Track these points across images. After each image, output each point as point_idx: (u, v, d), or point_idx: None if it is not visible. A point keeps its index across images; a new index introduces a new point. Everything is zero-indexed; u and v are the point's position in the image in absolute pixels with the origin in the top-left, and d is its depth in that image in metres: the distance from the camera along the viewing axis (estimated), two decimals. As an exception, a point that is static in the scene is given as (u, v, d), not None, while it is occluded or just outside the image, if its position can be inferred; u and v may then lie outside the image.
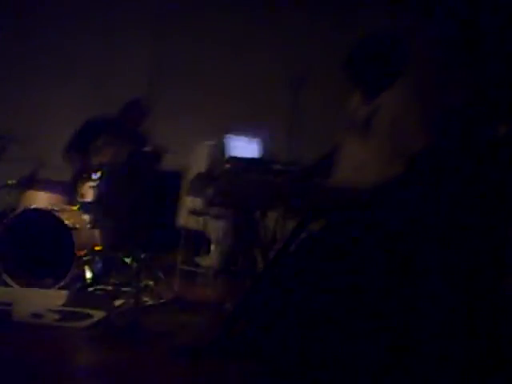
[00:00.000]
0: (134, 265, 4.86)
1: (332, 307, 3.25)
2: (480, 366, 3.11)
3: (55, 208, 5.02)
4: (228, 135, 5.38)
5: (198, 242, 5.75)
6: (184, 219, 5.54)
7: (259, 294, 3.55)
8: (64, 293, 4.66)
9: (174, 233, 5.41)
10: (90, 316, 4.16)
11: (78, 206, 5.25)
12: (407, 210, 3.15)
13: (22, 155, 5.18)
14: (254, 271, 3.97)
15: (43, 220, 4.95)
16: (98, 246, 5.22)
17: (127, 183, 4.54)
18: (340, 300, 3.24)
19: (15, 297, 4.39)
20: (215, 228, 5.78)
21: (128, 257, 5.11)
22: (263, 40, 6.77)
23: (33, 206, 5.01)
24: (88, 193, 5.19)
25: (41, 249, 4.92)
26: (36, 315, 4.09)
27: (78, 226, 5.00)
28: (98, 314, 4.17)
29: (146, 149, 5.28)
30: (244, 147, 5.35)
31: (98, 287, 4.92)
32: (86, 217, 5.21)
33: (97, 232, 5.25)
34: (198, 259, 5.93)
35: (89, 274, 5.02)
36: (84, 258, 4.99)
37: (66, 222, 4.91)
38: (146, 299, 4.60)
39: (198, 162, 5.17)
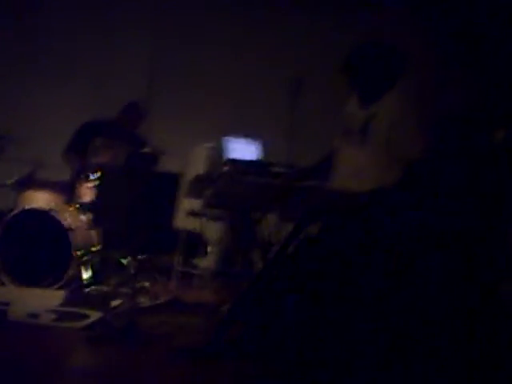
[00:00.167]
0: (132, 266, 4.86)
1: (329, 309, 3.25)
2: (478, 369, 3.11)
3: (53, 208, 5.02)
4: (226, 137, 5.38)
5: (196, 243, 5.74)
6: (182, 221, 5.53)
7: (256, 296, 3.55)
8: (61, 293, 4.66)
9: (171, 234, 5.40)
10: (86, 316, 4.16)
11: (76, 207, 5.25)
12: (405, 215, 3.15)
13: (21, 155, 5.18)
14: (251, 273, 3.96)
15: (41, 220, 4.95)
16: (95, 246, 5.22)
17: (125, 184, 4.54)
18: (337, 302, 3.24)
19: (12, 296, 4.39)
20: (213, 230, 5.78)
21: (125, 258, 5.11)
22: (263, 42, 6.76)
23: (31, 206, 5.01)
24: (86, 193, 5.19)
25: (38, 249, 4.92)
26: (33, 315, 4.09)
27: (75, 226, 5.00)
28: (95, 315, 4.17)
29: (145, 150, 5.28)
30: (242, 149, 5.34)
31: (95, 288, 4.92)
32: (84, 217, 5.21)
33: (94, 232, 5.26)
34: (195, 261, 5.92)
35: (86, 275, 5.02)
36: (81, 259, 4.98)
37: (64, 222, 4.91)
38: (142, 300, 4.60)
39: (196, 164, 5.17)
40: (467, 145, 3.50)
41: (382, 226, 3.14)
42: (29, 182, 5.33)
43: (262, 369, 3.35)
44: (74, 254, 4.86)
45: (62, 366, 3.42)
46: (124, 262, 5.05)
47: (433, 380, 3.10)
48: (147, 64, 6.98)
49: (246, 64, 6.71)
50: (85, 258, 5.02)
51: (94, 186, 5.03)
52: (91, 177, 5.11)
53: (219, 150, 5.29)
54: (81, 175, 5.27)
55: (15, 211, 4.96)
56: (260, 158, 5.45)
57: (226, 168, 4.05)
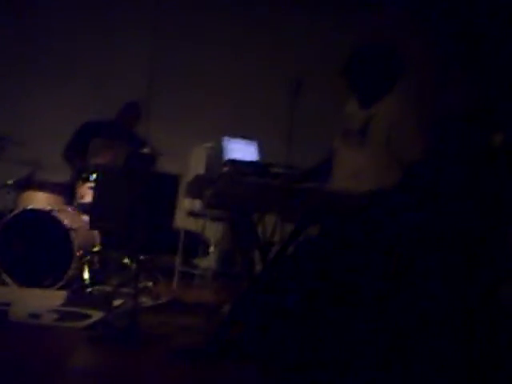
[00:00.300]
0: (133, 266, 4.88)
1: (329, 309, 3.26)
2: (477, 369, 3.12)
3: (54, 208, 5.03)
4: (226, 137, 5.38)
5: (197, 243, 5.76)
6: (182, 221, 5.55)
7: (256, 296, 3.56)
8: (62, 293, 4.67)
9: (172, 235, 5.42)
10: (87, 316, 4.17)
11: (76, 207, 5.26)
12: (405, 216, 3.16)
13: (20, 156, 5.18)
14: (252, 273, 3.97)
15: (42, 220, 4.96)
16: (96, 246, 5.23)
17: (125, 185, 4.55)
18: (337, 302, 3.25)
19: (13, 297, 4.40)
20: (213, 230, 5.79)
21: (126, 258, 5.12)
22: (262, 42, 6.76)
23: (31, 207, 5.03)
24: (87, 194, 5.20)
25: (39, 249, 4.93)
26: (34, 315, 4.09)
27: (76, 226, 5.01)
28: (96, 315, 4.18)
29: (144, 150, 5.29)
30: (242, 150, 5.35)
31: (96, 288, 4.93)
32: (85, 217, 5.22)
33: (95, 233, 5.27)
34: (196, 261, 5.93)
35: (87, 275, 5.03)
36: (82, 259, 5.00)
37: (65, 222, 4.92)
38: (144, 300, 4.61)
39: (196, 164, 5.18)
40: (467, 145, 3.50)
41: (382, 227, 3.14)
42: (28, 183, 5.34)
43: (262, 369, 3.36)
44: (76, 254, 4.87)
45: (64, 365, 3.42)
46: (125, 262, 5.07)
47: (433, 380, 3.11)
48: (147, 64, 6.98)
49: (245, 64, 6.71)
50: (86, 258, 5.03)
51: (95, 187, 5.04)
52: (91, 177, 5.12)
53: (219, 151, 5.29)
54: (81, 175, 5.28)
55: (16, 211, 4.98)
56: (259, 158, 5.46)
57: (225, 168, 4.06)
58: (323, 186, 3.55)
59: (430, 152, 3.34)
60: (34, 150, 5.31)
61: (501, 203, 3.30)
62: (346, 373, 3.15)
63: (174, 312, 4.57)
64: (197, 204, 5.26)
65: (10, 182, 5.30)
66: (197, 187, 4.28)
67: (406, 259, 3.18)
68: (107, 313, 4.18)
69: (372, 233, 3.16)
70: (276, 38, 6.78)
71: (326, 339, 3.21)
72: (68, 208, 5.27)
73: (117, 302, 4.43)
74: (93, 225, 5.16)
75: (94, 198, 4.95)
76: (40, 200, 5.25)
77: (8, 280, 4.83)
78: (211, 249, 5.88)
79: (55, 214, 4.96)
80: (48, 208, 5.01)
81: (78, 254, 4.90)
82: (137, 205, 4.33)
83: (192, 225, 5.71)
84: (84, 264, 5.02)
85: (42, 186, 5.34)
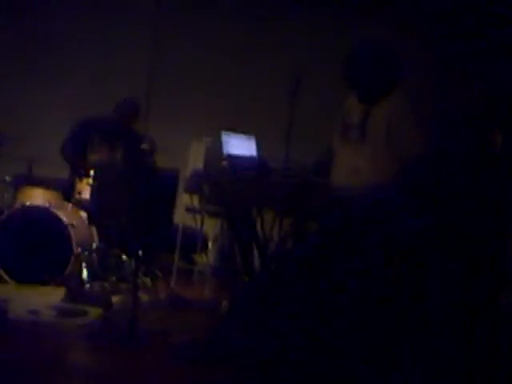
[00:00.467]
0: (131, 262, 4.87)
1: (329, 306, 3.25)
2: (478, 374, 3.11)
3: (52, 205, 5.02)
4: (225, 133, 5.37)
5: (195, 239, 5.75)
6: (181, 217, 5.54)
7: (255, 292, 3.55)
8: (61, 290, 4.66)
9: (170, 230, 5.41)
10: (86, 313, 4.16)
11: (74, 204, 5.25)
12: (404, 216, 3.15)
13: (19, 152, 5.17)
14: (250, 269, 3.96)
15: (40, 216, 4.96)
16: (95, 243, 5.22)
17: (124, 181, 4.55)
18: (337, 299, 3.25)
19: (12, 293, 4.40)
20: (212, 226, 5.78)
21: (125, 254, 5.11)
22: (262, 39, 6.75)
23: (30, 203, 5.02)
24: (85, 190, 5.19)
25: (38, 246, 4.93)
26: (32, 312, 4.08)
27: (75, 222, 5.00)
28: (95, 312, 4.17)
29: (143, 146, 5.27)
30: (241, 145, 5.34)
31: (95, 285, 4.92)
32: (84, 214, 5.21)
33: (94, 229, 5.26)
34: (194, 257, 5.92)
35: (85, 272, 5.02)
36: (81, 255, 4.99)
37: (64, 218, 4.92)
38: (142, 297, 4.60)
39: (194, 160, 5.17)
40: (467, 147, 3.49)
41: (382, 226, 3.14)
42: (27, 179, 5.33)
43: (261, 367, 3.35)
44: (74, 251, 4.87)
45: (62, 363, 3.42)
46: (124, 258, 5.06)
47: (433, 381, 3.11)
48: (146, 61, 6.96)
49: (245, 61, 6.71)
50: (84, 255, 5.02)
51: (93, 183, 5.03)
52: (90, 174, 5.11)
53: (217, 146, 5.28)
54: (80, 172, 5.26)
55: (14, 208, 4.97)
56: (258, 154, 5.45)
57: (224, 163, 4.05)
58: (322, 182, 3.54)
59: (430, 151, 3.33)
60: (32, 146, 5.29)
61: (502, 206, 3.28)
62: (345, 373, 3.15)
63: (172, 309, 4.56)
64: (195, 200, 5.25)
65: (8, 178, 5.28)
66: (196, 182, 4.28)
67: (406, 260, 3.17)
68: (106, 310, 4.17)
69: (371, 231, 3.15)
70: (275, 35, 6.77)
71: (325, 337, 3.21)
72: (66, 204, 5.25)
73: (115, 299, 4.42)
74: (91, 221, 5.18)
75: (93, 194, 4.96)
76: (38, 196, 5.24)
77: (6, 276, 4.82)
78: (209, 245, 5.87)
79: (54, 210, 4.94)
80: (46, 204, 5.00)
81: (76, 250, 4.89)
82: (135, 201, 4.32)
83: (190, 220, 5.70)
84: (82, 261, 5.01)
85: (40, 183, 5.33)
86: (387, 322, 3.15)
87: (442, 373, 3.10)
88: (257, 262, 3.92)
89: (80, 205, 5.23)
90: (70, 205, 5.25)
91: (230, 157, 4.27)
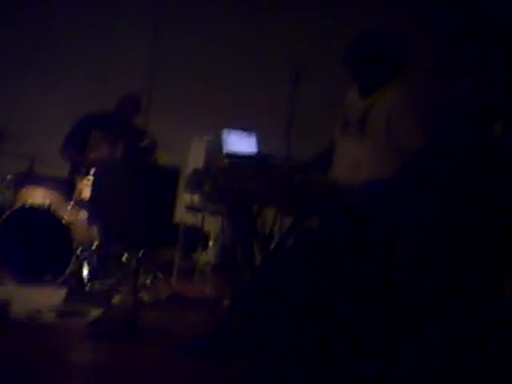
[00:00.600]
0: (132, 261, 4.85)
1: (330, 302, 3.24)
2: (480, 368, 3.09)
3: (52, 204, 5.00)
4: (226, 130, 5.35)
5: (196, 238, 5.73)
6: (182, 215, 5.52)
7: (257, 289, 3.54)
8: (61, 290, 4.64)
9: (171, 229, 5.39)
10: (87, 313, 4.15)
11: (75, 203, 5.23)
12: (404, 207, 3.13)
13: (19, 151, 5.15)
14: (251, 267, 3.94)
15: (40, 216, 4.94)
16: (95, 242, 5.20)
17: (124, 178, 4.52)
18: (338, 295, 3.23)
19: (12, 294, 4.37)
20: (213, 224, 5.76)
21: (126, 253, 5.09)
22: (262, 34, 6.74)
23: (30, 203, 5.00)
24: (85, 189, 5.16)
25: (38, 245, 4.91)
26: (33, 313, 4.06)
27: (75, 222, 4.98)
28: (95, 312, 4.15)
29: (143, 143, 5.25)
30: (242, 142, 5.32)
31: (96, 284, 4.90)
32: (84, 213, 5.18)
33: (94, 228, 5.23)
34: (195, 255, 5.91)
35: (86, 271, 5.00)
36: (81, 255, 4.97)
37: (64, 218, 4.90)
38: (143, 296, 4.59)
39: (195, 157, 5.15)
40: (468, 138, 3.47)
41: (381, 219, 3.12)
42: (27, 178, 5.31)
43: (263, 364, 3.34)
44: (75, 251, 4.85)
45: (63, 362, 3.41)
46: (124, 257, 5.04)
47: (433, 380, 3.09)
48: (147, 57, 6.96)
49: (245, 56, 6.70)
50: (85, 255, 5.01)
51: (93, 181, 5.01)
52: (90, 172, 5.09)
53: (218, 143, 5.27)
54: (80, 170, 5.24)
55: (14, 207, 4.95)
56: (259, 150, 5.43)
57: (225, 161, 4.03)
58: (323, 178, 3.52)
59: (431, 143, 3.31)
60: (32, 145, 5.27)
61: (503, 196, 3.27)
62: (346, 368, 3.13)
63: (173, 307, 4.55)
64: (196, 198, 5.23)
65: (8, 177, 5.26)
66: (196, 180, 4.26)
67: (405, 251, 3.16)
68: (107, 309, 4.16)
69: (371, 224, 3.13)
70: (276, 29, 6.76)
71: (326, 331, 3.19)
72: (67, 204, 5.23)
73: (116, 299, 4.40)
74: (91, 220, 5.15)
75: (93, 192, 4.93)
76: (39, 196, 5.21)
77: (6, 277, 4.80)
78: (210, 243, 5.85)
79: (54, 209, 4.93)
80: (47, 204, 4.98)
81: (77, 250, 4.87)
82: (136, 199, 4.30)
83: (191, 219, 5.68)
84: (83, 260, 4.99)
85: (40, 182, 5.30)
86: (388, 314, 3.13)
87: (443, 366, 3.08)
88: (258, 260, 3.90)
89: (80, 205, 5.21)
90: (71, 205, 5.23)
91: (231, 154, 4.26)
